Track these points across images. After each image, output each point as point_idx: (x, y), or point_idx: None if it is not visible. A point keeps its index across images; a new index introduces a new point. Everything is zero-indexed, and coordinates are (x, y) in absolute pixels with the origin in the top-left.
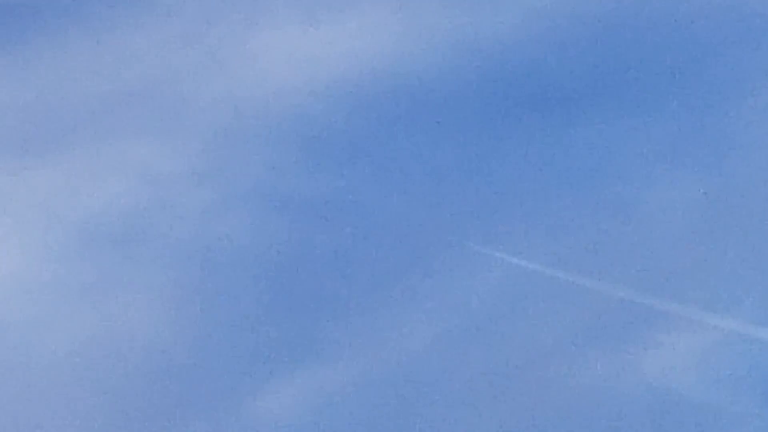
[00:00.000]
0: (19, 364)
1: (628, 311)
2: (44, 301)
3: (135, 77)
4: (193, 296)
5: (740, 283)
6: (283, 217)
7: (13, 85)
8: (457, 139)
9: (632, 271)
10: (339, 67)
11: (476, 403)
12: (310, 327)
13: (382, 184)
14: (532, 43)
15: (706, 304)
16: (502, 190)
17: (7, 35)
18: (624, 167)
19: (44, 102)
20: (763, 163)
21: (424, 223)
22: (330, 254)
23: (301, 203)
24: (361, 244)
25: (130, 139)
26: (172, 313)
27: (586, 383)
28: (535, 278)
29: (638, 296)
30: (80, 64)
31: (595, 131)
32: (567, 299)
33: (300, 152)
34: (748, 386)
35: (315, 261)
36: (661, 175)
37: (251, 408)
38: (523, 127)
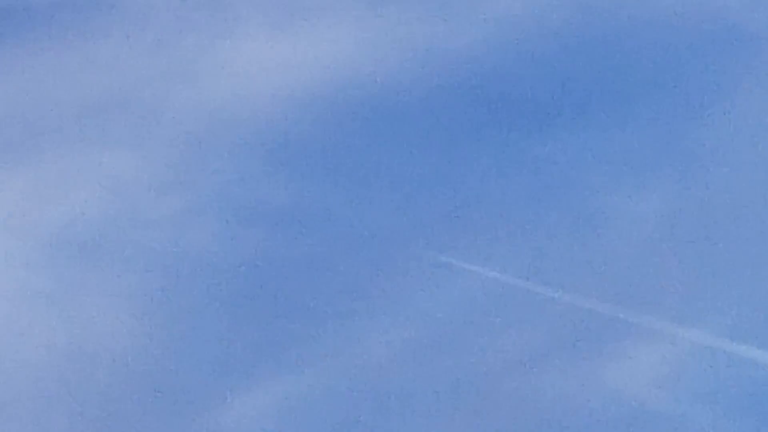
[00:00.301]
0: None
1: (595, 323)
2: (11, 309)
3: (104, 85)
4: (161, 305)
5: (710, 296)
6: (252, 226)
7: None
8: (426, 149)
9: (600, 282)
10: (308, 76)
11: (442, 413)
12: (278, 336)
13: (350, 194)
14: (503, 54)
15: (675, 316)
16: (470, 200)
17: None
18: (592, 178)
19: (12, 110)
20: (732, 175)
21: (392, 232)
22: (297, 263)
23: (270, 212)
24: (329, 253)
25: (99, 148)
26: (141, 322)
27: (553, 395)
28: (501, 289)
29: (606, 308)
30: (48, 72)
31: (563, 142)
32: (534, 310)
33: (269, 161)
34: (717, 400)
35: (282, 270)
36: (630, 186)
37: (219, 417)
38: (492, 137)
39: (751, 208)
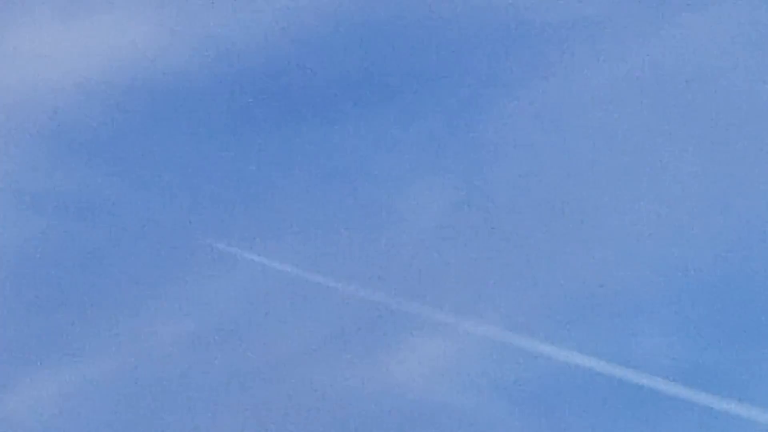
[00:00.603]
0: None
1: (379, 314)
2: None
3: None
4: None
5: (493, 289)
6: (35, 214)
7: None
8: (211, 138)
9: (384, 274)
10: (95, 65)
11: (225, 402)
12: (60, 324)
13: (137, 183)
14: (290, 44)
15: (458, 308)
16: (256, 190)
17: None
18: (377, 169)
19: None
20: (515, 170)
21: (178, 223)
22: (81, 252)
23: (53, 200)
24: (113, 242)
25: None
26: None
27: (336, 386)
28: (287, 280)
29: (392, 300)
30: None
31: (350, 133)
32: (319, 301)
33: (54, 149)
34: (499, 391)
35: (66, 258)
36: (416, 179)
37: (1, 404)
38: (278, 127)
39: (534, 201)
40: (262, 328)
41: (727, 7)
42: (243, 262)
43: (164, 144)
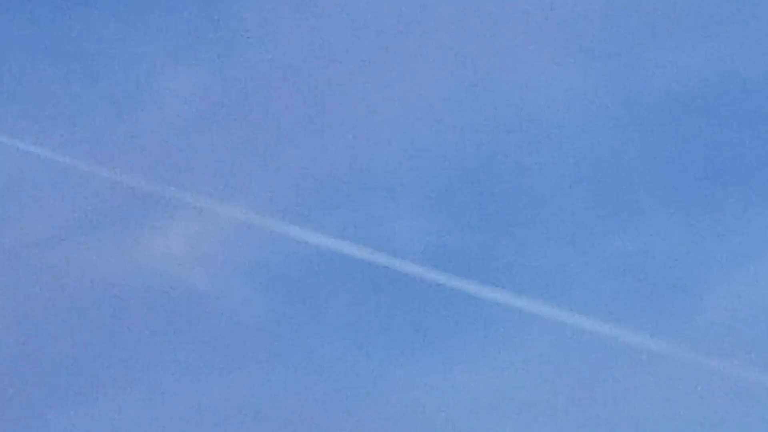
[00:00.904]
0: None
1: (132, 198)
2: None
3: None
4: None
5: (247, 174)
6: None
7: None
8: None
9: (137, 157)
10: None
11: None
12: None
13: None
14: None
15: (214, 192)
16: (7, 73)
17: None
18: (133, 55)
19: None
20: (269, 54)
21: None
22: None
23: None
24: None
25: None
26: None
27: (89, 268)
28: (40, 163)
29: (142, 183)
30: None
31: (103, 17)
32: (72, 185)
33: None
34: (251, 274)
35: None
36: (170, 64)
37: None
38: (31, 10)
39: (288, 86)
40: (14, 210)
41: None
42: None
43: None
